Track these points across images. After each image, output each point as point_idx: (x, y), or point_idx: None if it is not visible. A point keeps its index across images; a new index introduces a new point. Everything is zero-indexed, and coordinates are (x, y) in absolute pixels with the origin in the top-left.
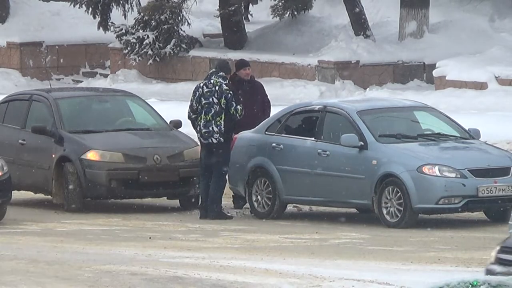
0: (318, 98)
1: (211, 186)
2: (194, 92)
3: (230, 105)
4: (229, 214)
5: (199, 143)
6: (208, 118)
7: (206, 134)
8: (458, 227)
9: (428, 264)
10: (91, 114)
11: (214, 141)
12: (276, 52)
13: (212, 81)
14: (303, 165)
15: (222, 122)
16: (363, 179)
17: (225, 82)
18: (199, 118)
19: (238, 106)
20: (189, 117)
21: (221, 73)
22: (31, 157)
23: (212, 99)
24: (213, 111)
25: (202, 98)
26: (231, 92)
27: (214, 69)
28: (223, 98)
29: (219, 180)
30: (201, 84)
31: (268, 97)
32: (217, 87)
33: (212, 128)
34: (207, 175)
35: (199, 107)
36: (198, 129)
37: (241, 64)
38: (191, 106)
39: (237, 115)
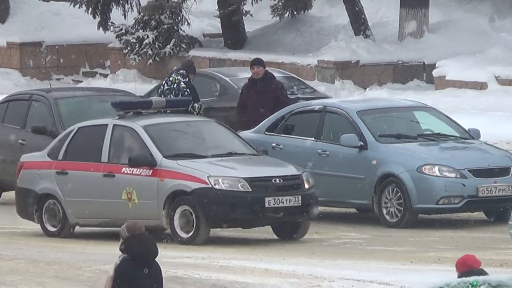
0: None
1: None
2: (157, 90)
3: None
4: None
5: None
6: None
7: None
8: (458, 227)
9: (428, 264)
10: (91, 114)
11: None
12: (276, 51)
13: (171, 78)
14: (303, 165)
15: None
16: (363, 179)
17: (184, 80)
18: None
19: (196, 104)
20: None
21: (181, 71)
22: None
23: (170, 96)
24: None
25: (162, 96)
26: (188, 90)
27: (175, 67)
28: (180, 95)
29: None
30: (163, 82)
31: (289, 98)
32: (175, 85)
33: None
34: None
35: None
36: None
37: (252, 62)
38: None
39: (195, 112)
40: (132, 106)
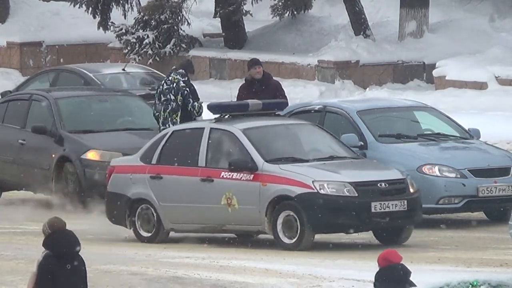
0: (318, 98)
1: None
2: (157, 90)
3: (186, 102)
4: None
5: None
6: (165, 115)
7: None
8: (458, 227)
9: (428, 264)
10: (91, 114)
11: None
12: (276, 51)
13: (170, 78)
14: None
15: (178, 119)
16: None
17: (183, 79)
18: (158, 115)
19: (196, 103)
20: (154, 115)
21: (181, 70)
22: (31, 157)
23: (170, 96)
24: (170, 108)
25: (161, 95)
26: (187, 89)
27: (174, 67)
28: (180, 95)
29: None
30: (162, 82)
31: (286, 97)
32: (174, 84)
33: (169, 125)
34: None
35: (159, 104)
36: (158, 126)
37: (251, 62)
38: (154, 104)
39: (195, 112)
40: (228, 109)
